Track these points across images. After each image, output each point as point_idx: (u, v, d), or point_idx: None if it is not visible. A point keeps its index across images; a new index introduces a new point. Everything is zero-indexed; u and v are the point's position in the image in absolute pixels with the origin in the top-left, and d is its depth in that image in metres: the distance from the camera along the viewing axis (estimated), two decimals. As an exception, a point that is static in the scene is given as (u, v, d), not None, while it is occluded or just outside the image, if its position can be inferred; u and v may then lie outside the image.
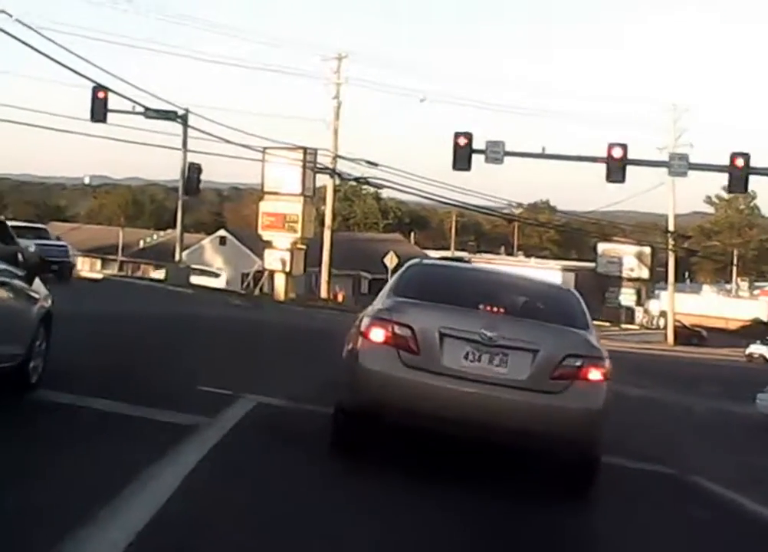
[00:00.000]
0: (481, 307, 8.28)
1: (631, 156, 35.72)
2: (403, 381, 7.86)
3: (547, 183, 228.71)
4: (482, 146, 36.44)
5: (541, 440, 8.00)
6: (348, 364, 8.37)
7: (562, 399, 7.84)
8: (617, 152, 35.35)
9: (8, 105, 56.83)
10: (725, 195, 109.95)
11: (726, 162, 34.71)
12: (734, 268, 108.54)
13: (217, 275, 66.13)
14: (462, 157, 35.90)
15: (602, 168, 35.75)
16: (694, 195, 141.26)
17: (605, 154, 35.84)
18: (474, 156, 36.36)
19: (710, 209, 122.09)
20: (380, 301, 8.72)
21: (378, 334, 8.01)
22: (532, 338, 7.98)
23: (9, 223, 37.90)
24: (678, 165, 36.42)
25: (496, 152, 36.34)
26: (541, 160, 39.57)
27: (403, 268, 9.44)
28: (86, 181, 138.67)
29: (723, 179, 34.85)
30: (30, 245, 35.61)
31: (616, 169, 35.37)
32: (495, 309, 8.28)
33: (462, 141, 35.82)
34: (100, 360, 12.09)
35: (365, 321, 8.29)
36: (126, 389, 10.17)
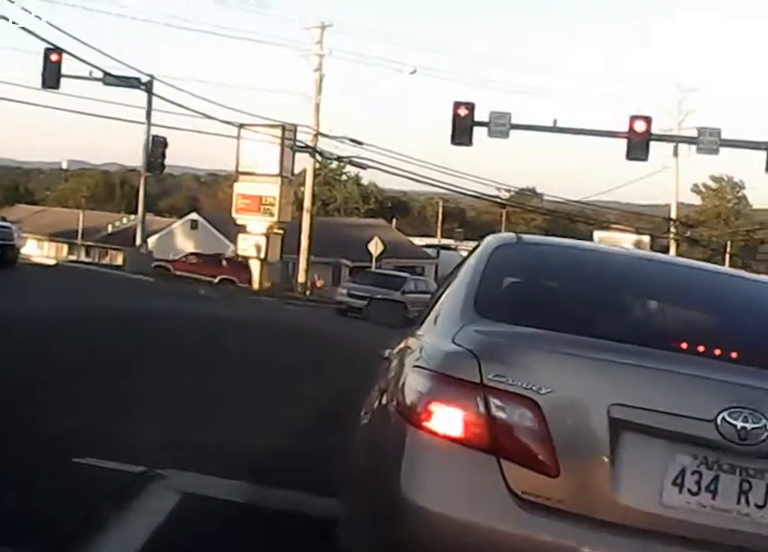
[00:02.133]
0: (684, 345, 3.46)
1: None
2: (519, 544, 3.10)
3: (532, 172, 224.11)
4: (485, 119, 32.44)
5: None
6: (371, 488, 3.46)
7: None
8: (640, 126, 31.19)
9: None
10: (712, 185, 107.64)
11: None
12: (727, 258, 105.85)
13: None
14: (462, 130, 31.72)
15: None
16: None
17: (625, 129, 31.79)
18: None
19: (696, 200, 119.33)
20: (444, 327, 3.72)
21: (452, 420, 3.19)
22: None
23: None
24: (709, 141, 32.12)
25: (501, 125, 32.08)
26: (550, 135, 35.32)
27: (484, 251, 4.44)
28: (64, 166, 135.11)
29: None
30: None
31: (639, 144, 31.18)
32: (719, 351, 3.42)
33: (463, 112, 31.62)
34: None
35: (415, 381, 3.37)
36: None
